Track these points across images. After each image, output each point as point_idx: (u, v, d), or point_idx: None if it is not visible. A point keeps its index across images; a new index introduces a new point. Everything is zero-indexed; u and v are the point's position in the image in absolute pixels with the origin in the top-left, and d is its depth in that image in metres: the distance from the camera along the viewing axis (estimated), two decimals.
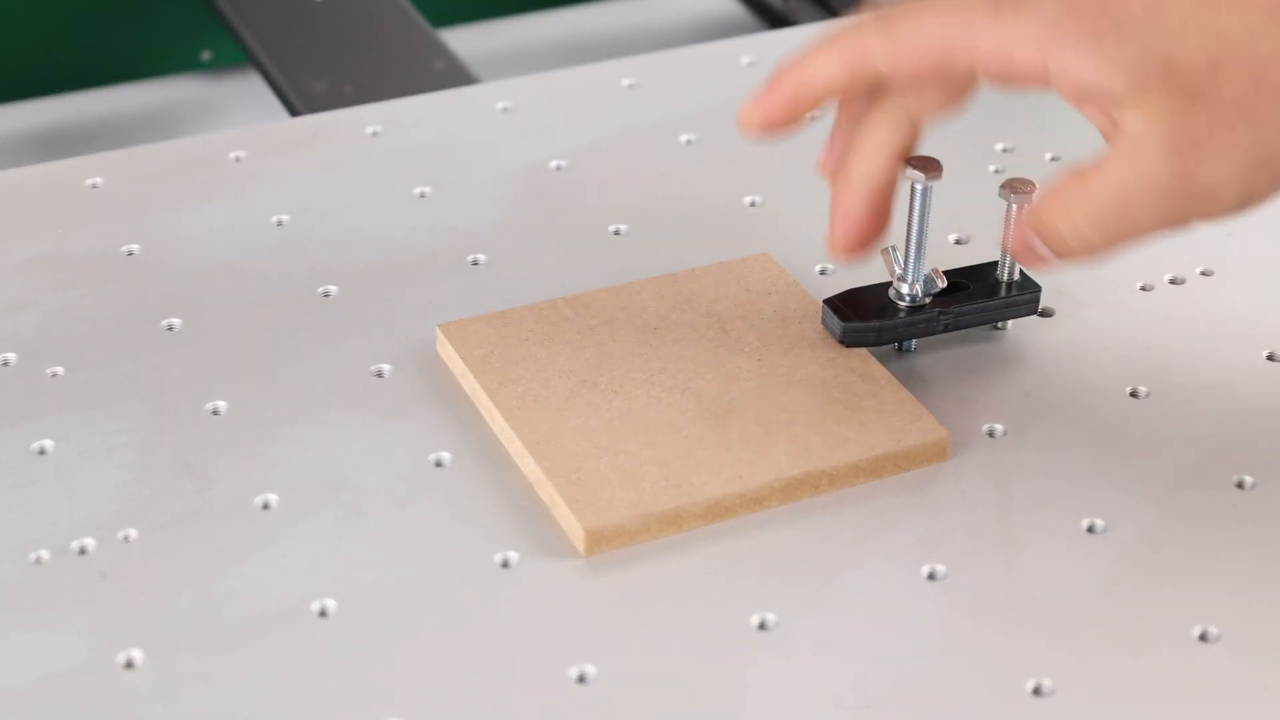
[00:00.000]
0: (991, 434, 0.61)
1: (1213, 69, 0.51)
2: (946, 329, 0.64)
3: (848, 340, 0.63)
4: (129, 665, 0.52)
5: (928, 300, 0.63)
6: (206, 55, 1.36)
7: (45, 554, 0.56)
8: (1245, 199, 0.53)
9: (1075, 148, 0.77)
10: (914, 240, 0.62)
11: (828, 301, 0.64)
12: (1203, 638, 0.53)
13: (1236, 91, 0.51)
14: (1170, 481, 0.59)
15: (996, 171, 0.76)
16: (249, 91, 1.36)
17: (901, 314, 0.63)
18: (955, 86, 0.58)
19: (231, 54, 1.35)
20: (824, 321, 0.64)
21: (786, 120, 0.59)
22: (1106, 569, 0.56)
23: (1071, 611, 0.54)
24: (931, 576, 0.55)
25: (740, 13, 1.48)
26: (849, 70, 0.57)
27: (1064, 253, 0.56)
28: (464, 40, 1.36)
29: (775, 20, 1.37)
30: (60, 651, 0.53)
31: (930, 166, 0.60)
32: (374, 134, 0.79)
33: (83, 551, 0.56)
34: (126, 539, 0.56)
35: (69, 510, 0.57)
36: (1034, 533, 0.57)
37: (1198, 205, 0.53)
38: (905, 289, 0.63)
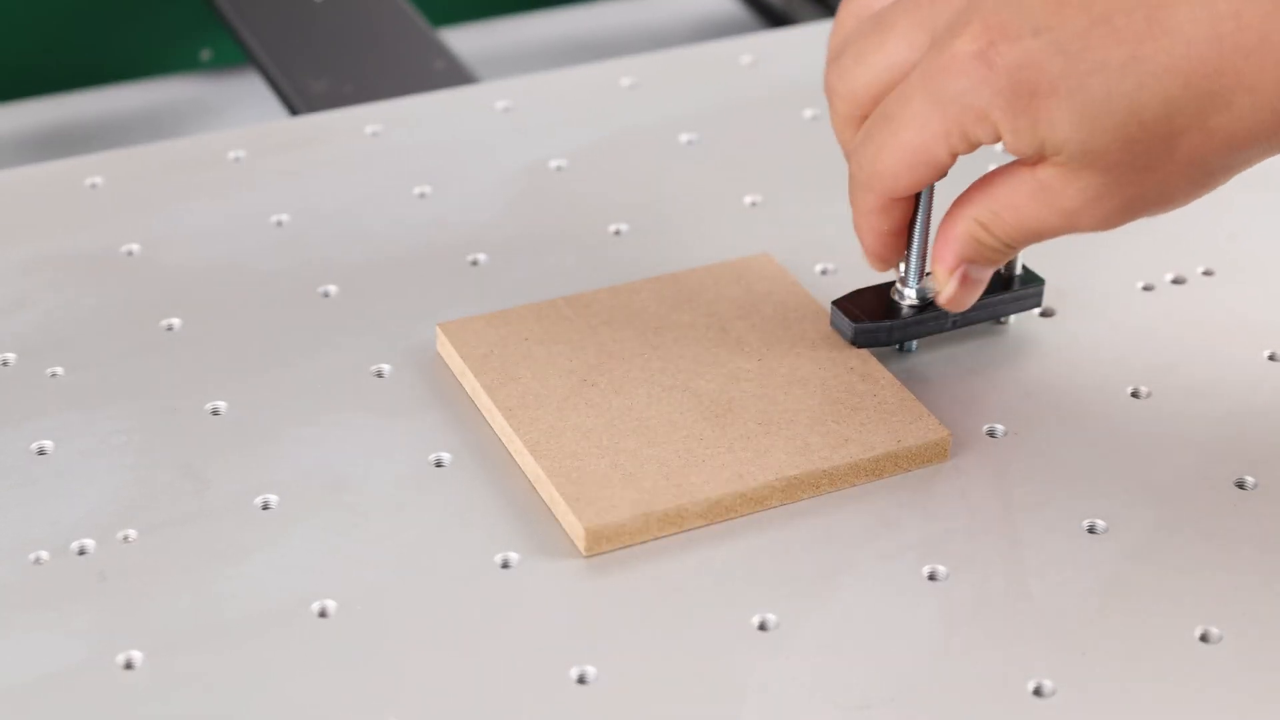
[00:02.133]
0: (991, 434, 0.61)
1: (1128, 144, 0.53)
2: (955, 326, 0.64)
3: (859, 341, 0.63)
4: (129, 665, 0.52)
5: (931, 300, 0.63)
6: (206, 55, 1.36)
7: (45, 554, 0.56)
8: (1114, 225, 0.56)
9: None
10: (916, 242, 0.62)
11: (837, 303, 0.64)
12: (1203, 638, 0.53)
13: (1149, 162, 0.53)
14: (1170, 481, 0.59)
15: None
16: (249, 91, 1.36)
17: (910, 313, 0.63)
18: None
19: (231, 54, 1.35)
20: (833, 323, 0.64)
21: (898, 253, 0.61)
22: (1106, 569, 0.56)
23: (1071, 611, 0.54)
24: (931, 576, 0.55)
25: (740, 12, 1.48)
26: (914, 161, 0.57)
27: (1000, 263, 0.59)
28: (464, 40, 1.36)
29: (775, 19, 1.37)
30: (60, 651, 0.53)
31: None
32: (374, 134, 0.79)
33: (82, 551, 0.56)
34: (126, 539, 0.56)
35: (69, 510, 0.57)
36: (1034, 533, 0.57)
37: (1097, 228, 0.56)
38: (910, 291, 0.63)
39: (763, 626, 0.54)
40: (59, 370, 0.64)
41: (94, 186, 0.75)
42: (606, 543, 0.56)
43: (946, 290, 0.59)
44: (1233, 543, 0.57)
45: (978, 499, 0.58)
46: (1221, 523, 0.57)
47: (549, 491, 0.57)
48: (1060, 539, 0.57)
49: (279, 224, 0.72)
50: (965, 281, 0.59)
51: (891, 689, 0.52)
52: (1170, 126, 0.52)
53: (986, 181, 0.57)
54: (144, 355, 0.65)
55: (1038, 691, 0.52)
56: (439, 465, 0.59)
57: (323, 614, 0.54)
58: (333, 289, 0.68)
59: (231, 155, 0.77)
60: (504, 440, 0.60)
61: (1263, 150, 0.53)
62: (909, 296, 0.63)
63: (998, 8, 0.54)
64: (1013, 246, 0.58)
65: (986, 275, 0.60)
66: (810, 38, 0.89)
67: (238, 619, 0.54)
